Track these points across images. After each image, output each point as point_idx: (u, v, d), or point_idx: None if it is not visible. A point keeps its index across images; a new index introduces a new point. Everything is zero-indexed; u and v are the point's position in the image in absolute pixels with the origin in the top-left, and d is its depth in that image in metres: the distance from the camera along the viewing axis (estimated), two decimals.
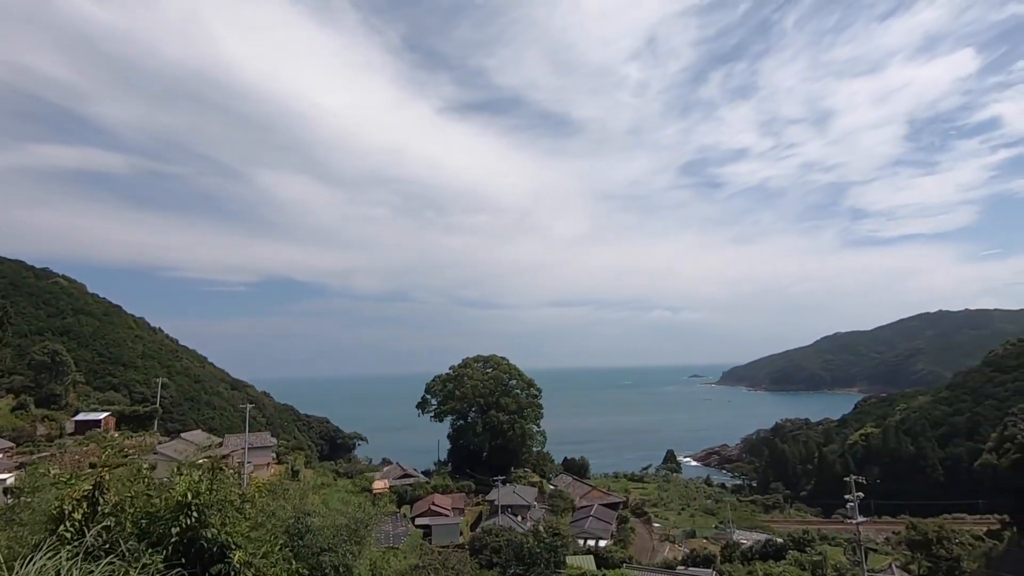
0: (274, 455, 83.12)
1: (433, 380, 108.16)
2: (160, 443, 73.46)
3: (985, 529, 79.31)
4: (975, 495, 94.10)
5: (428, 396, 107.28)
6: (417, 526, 66.93)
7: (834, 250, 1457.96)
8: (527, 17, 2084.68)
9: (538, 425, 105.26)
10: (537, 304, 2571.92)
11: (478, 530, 59.26)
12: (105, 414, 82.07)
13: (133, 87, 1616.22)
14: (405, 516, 69.50)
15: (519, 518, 67.96)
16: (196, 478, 9.32)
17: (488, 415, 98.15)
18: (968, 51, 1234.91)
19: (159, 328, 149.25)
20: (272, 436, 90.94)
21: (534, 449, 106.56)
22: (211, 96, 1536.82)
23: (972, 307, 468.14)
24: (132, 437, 75.51)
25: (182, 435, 77.07)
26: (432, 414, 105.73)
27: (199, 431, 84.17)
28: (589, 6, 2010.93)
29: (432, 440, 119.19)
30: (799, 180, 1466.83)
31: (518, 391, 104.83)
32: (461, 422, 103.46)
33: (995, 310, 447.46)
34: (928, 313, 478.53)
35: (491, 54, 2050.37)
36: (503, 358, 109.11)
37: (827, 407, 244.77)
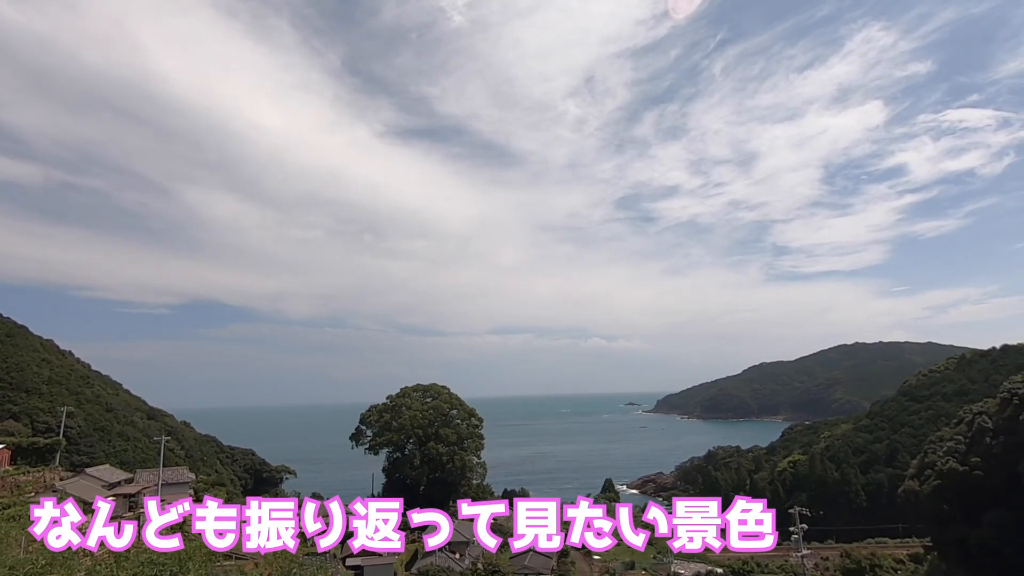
0: (192, 491, 76.84)
1: (369, 410, 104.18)
2: (61, 479, 66.61)
3: (906, 553, 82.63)
4: (895, 519, 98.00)
5: (363, 427, 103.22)
6: (348, 567, 63.08)
7: (759, 284, 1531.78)
8: (469, 49, 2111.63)
9: (479, 456, 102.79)
10: (479, 331, 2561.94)
11: (414, 569, 56.43)
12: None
13: (49, 94, 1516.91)
14: (335, 556, 65.37)
15: (457, 555, 65.27)
16: None
17: (427, 447, 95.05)
18: (877, 103, 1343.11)
19: (69, 351, 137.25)
20: (190, 470, 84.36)
21: (474, 482, 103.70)
22: (135, 107, 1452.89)
23: (885, 339, 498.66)
24: (29, 472, 68.06)
25: (87, 470, 70.22)
26: (367, 446, 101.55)
27: (107, 466, 77.06)
28: (529, 44, 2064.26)
29: (366, 474, 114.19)
30: (726, 217, 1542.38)
31: (459, 421, 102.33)
32: (398, 455, 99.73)
33: (905, 342, 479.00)
34: (846, 345, 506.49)
35: (433, 82, 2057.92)
36: (444, 387, 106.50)
37: (756, 434, 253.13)
